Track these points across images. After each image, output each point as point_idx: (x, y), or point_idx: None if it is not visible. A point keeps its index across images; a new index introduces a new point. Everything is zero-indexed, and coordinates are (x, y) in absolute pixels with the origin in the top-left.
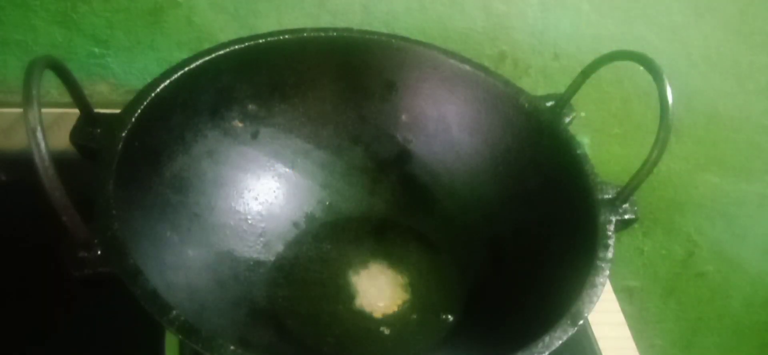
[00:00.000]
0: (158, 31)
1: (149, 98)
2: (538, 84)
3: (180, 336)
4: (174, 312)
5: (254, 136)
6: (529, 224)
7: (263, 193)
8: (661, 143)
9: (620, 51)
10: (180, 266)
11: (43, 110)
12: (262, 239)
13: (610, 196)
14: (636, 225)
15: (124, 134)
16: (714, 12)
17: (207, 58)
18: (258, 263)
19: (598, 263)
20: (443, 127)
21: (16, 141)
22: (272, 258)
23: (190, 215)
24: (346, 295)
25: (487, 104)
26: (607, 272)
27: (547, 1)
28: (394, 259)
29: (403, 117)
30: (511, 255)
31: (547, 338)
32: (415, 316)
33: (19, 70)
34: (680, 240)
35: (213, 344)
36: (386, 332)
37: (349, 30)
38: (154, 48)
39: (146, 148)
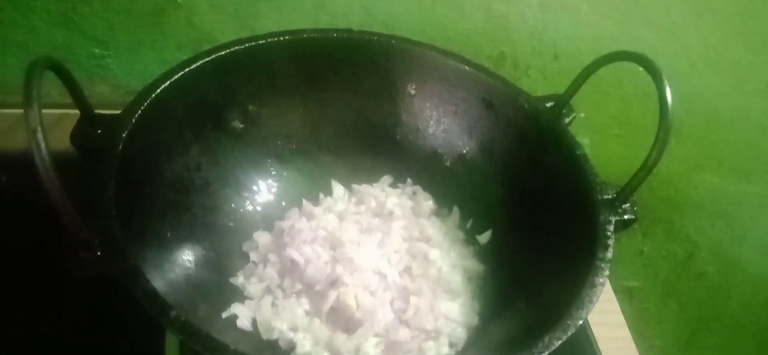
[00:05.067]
0: (159, 32)
1: (149, 99)
2: (538, 85)
3: (180, 336)
4: (174, 312)
5: (254, 136)
6: (529, 224)
7: (263, 193)
8: (660, 144)
9: (620, 52)
10: (180, 266)
11: (44, 111)
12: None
13: (609, 196)
14: (636, 225)
15: (124, 135)
16: (713, 13)
17: (207, 58)
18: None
19: (598, 263)
20: (443, 127)
21: (16, 142)
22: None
23: (190, 215)
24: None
25: (487, 105)
26: (607, 272)
27: (546, 2)
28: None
29: (404, 117)
30: (510, 254)
31: (546, 338)
32: None
33: (20, 70)
34: (680, 240)
35: (213, 344)
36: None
37: (349, 31)
38: (154, 49)
39: (146, 148)
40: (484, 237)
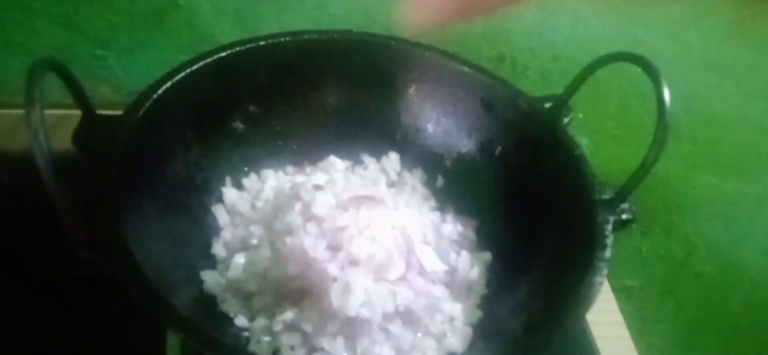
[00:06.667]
0: (160, 33)
1: (151, 100)
2: (537, 85)
3: (182, 335)
4: (175, 311)
5: (255, 137)
6: (528, 224)
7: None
8: (658, 144)
9: (618, 52)
10: (181, 265)
11: (45, 112)
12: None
13: (608, 196)
14: (634, 225)
15: (126, 136)
16: (712, 14)
17: (208, 60)
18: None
19: (597, 262)
20: (443, 128)
21: (18, 142)
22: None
23: (191, 215)
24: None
25: (486, 105)
26: (605, 272)
27: (545, 3)
28: None
29: (403, 118)
30: (509, 254)
31: (545, 337)
32: None
33: (21, 71)
34: (678, 240)
35: (214, 343)
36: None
37: (349, 32)
38: (155, 50)
39: (148, 149)
40: (486, 256)
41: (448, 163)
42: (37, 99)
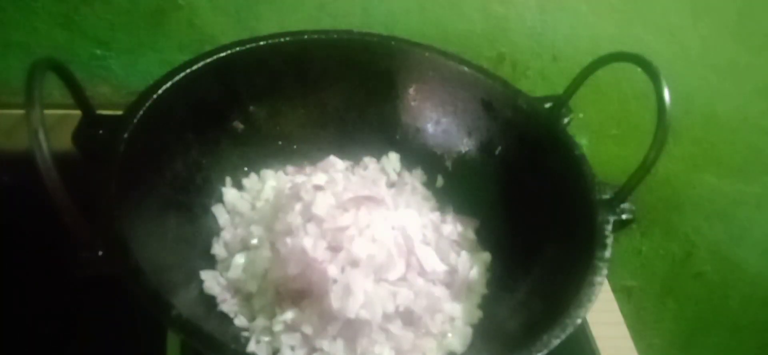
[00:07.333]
0: (160, 33)
1: (151, 100)
2: (537, 85)
3: (181, 335)
4: (175, 311)
5: (255, 137)
6: (528, 224)
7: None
8: (658, 144)
9: (618, 53)
10: (181, 265)
11: (45, 112)
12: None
13: (608, 196)
14: (634, 225)
15: (125, 136)
16: (711, 13)
17: (208, 60)
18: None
19: (596, 262)
20: (443, 128)
21: (18, 142)
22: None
23: (191, 215)
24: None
25: (486, 105)
26: (605, 272)
27: (545, 4)
28: None
29: (403, 118)
30: (509, 254)
31: (545, 337)
32: None
33: (21, 71)
34: (678, 240)
35: (214, 342)
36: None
37: (349, 32)
38: (155, 50)
39: (148, 149)
40: (486, 256)
41: (448, 163)
42: (37, 99)
